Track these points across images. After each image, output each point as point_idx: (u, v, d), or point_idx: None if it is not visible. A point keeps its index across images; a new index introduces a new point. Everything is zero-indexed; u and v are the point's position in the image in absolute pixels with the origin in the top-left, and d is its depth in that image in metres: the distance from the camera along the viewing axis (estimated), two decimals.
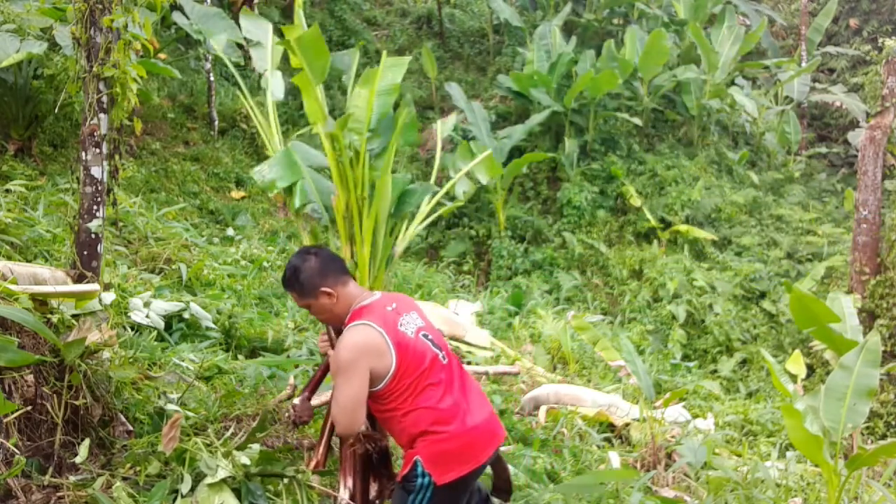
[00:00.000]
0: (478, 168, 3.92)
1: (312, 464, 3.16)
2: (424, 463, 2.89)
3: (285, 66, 4.13)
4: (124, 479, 3.01)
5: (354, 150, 3.13)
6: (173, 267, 6.40)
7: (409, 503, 2.93)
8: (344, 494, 3.11)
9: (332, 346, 3.04)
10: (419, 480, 2.90)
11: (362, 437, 3.02)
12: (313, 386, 3.21)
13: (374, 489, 3.24)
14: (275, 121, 3.33)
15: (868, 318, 9.76)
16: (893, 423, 8.79)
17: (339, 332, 2.99)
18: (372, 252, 3.35)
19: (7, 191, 6.33)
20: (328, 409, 3.12)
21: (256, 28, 3.67)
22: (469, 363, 6.73)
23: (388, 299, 3.02)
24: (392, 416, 2.94)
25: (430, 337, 3.02)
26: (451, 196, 3.63)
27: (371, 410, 3.00)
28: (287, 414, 3.24)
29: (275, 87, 3.53)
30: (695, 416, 6.75)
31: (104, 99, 3.85)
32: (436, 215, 3.65)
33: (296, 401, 3.13)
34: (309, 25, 4.02)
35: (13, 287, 3.03)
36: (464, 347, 7.09)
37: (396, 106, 3.57)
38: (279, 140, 3.32)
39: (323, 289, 2.91)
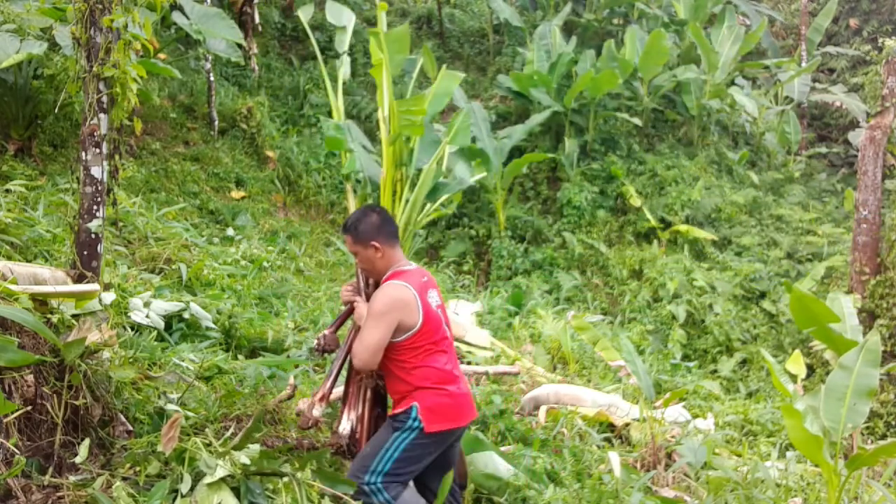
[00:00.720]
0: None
1: (318, 395, 3.44)
2: (420, 410, 3.33)
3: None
4: (124, 479, 3.01)
5: (407, 138, 3.52)
6: (173, 267, 6.40)
7: (394, 438, 3.35)
8: (346, 425, 3.47)
9: (359, 295, 3.52)
10: (410, 422, 3.33)
11: (374, 373, 3.46)
12: (340, 322, 3.65)
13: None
14: (342, 95, 3.81)
15: (868, 318, 9.76)
16: (893, 423, 8.79)
17: (375, 286, 3.49)
18: (406, 225, 3.80)
19: (7, 191, 6.33)
20: (344, 349, 3.55)
21: (341, 14, 4.06)
22: (469, 363, 6.74)
23: (422, 272, 3.52)
24: (401, 367, 3.37)
25: (442, 314, 3.53)
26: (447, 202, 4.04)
27: (385, 358, 3.37)
28: (315, 343, 3.60)
29: (345, 68, 4.01)
30: (695, 416, 6.75)
31: (104, 99, 3.85)
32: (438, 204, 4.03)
33: (325, 332, 3.59)
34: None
35: (13, 287, 3.03)
36: (464, 347, 7.09)
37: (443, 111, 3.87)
38: (342, 111, 3.77)
39: (373, 242, 3.38)
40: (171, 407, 3.55)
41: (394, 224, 3.49)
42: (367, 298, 3.52)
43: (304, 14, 4.42)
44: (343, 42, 4.11)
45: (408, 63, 4.28)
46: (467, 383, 3.59)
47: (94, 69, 3.78)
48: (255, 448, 3.21)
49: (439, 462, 3.51)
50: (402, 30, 3.83)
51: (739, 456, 6.00)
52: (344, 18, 4.12)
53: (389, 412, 3.50)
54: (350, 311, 3.60)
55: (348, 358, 3.54)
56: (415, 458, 3.39)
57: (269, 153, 12.31)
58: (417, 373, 3.36)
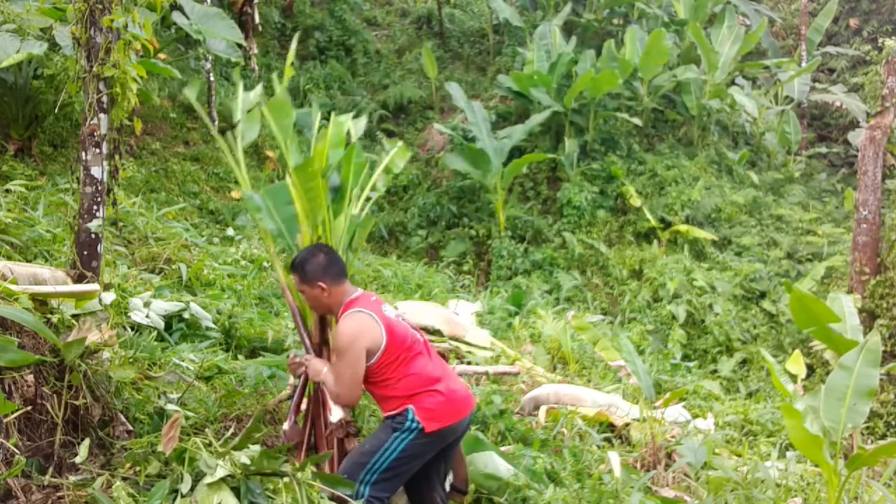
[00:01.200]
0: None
1: (289, 418, 3.56)
2: (417, 412, 3.36)
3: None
4: (124, 479, 3.01)
5: (317, 192, 3.51)
6: (173, 267, 6.40)
7: (393, 438, 3.38)
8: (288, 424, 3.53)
9: (305, 370, 3.51)
10: (408, 423, 3.36)
11: (344, 424, 3.49)
12: (296, 408, 3.63)
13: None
14: (244, 167, 3.73)
15: (868, 318, 9.75)
16: (893, 423, 8.79)
17: (320, 323, 3.60)
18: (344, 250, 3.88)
19: (7, 191, 6.33)
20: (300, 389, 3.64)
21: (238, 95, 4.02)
22: (469, 363, 6.73)
23: (369, 294, 3.57)
24: (385, 385, 3.40)
25: (406, 320, 3.57)
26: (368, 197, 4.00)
27: (367, 383, 3.42)
28: (281, 440, 3.61)
29: (247, 133, 3.88)
30: (695, 416, 6.75)
31: (104, 99, 3.85)
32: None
33: (285, 426, 3.57)
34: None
35: (13, 287, 3.03)
36: (464, 347, 7.09)
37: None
38: (246, 181, 3.69)
39: (320, 283, 3.41)
40: (171, 407, 3.55)
41: (340, 262, 3.52)
42: (318, 339, 3.61)
43: (190, 93, 4.41)
44: (236, 112, 4.10)
45: (301, 118, 4.28)
46: (456, 377, 3.64)
47: (94, 69, 3.78)
48: (255, 448, 3.21)
49: (440, 456, 3.55)
50: (280, 95, 3.87)
51: (739, 456, 6.00)
52: (240, 92, 4.13)
53: (384, 413, 3.52)
54: (304, 385, 3.65)
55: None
56: (414, 456, 3.41)
57: (269, 153, 12.31)
58: (402, 384, 3.39)
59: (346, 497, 3.24)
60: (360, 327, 3.34)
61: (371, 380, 3.40)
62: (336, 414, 3.44)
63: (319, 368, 3.46)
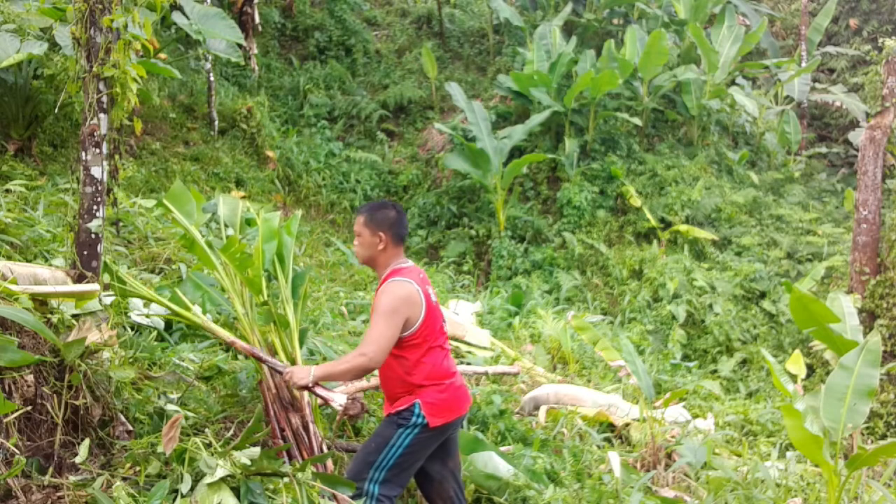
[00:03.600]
0: None
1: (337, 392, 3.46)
2: (423, 407, 3.40)
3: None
4: (124, 479, 3.01)
5: (249, 262, 3.62)
6: (173, 267, 6.39)
7: (397, 435, 3.40)
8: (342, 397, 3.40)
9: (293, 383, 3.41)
10: (414, 419, 3.40)
11: (354, 402, 3.40)
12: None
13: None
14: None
15: (868, 318, 9.75)
16: (893, 423, 8.79)
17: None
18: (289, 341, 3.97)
19: (7, 191, 6.33)
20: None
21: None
22: (469, 363, 6.73)
23: (419, 269, 3.63)
24: (403, 364, 3.43)
25: (439, 310, 3.63)
26: None
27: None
28: (339, 416, 3.59)
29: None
30: (695, 416, 6.75)
31: (104, 99, 3.85)
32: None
33: (343, 401, 3.38)
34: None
35: (13, 287, 3.03)
36: (464, 347, 7.09)
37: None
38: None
39: (380, 233, 3.48)
40: (171, 407, 3.55)
41: (406, 228, 3.59)
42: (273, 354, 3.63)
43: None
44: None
45: (208, 207, 4.46)
46: (460, 375, 3.71)
47: (94, 69, 3.78)
48: (255, 448, 3.21)
49: (438, 450, 3.59)
50: (177, 186, 4.05)
51: (739, 456, 6.00)
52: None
53: (387, 409, 3.55)
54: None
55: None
56: (419, 451, 3.45)
57: (269, 153, 12.31)
58: (418, 371, 3.43)
59: (350, 497, 3.25)
60: (408, 296, 3.38)
61: (394, 352, 3.41)
62: (339, 399, 3.39)
63: (306, 371, 3.39)
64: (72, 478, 2.94)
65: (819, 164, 16.29)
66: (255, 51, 13.38)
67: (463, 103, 13.49)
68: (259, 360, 3.64)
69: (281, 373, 3.50)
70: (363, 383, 4.56)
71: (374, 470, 3.38)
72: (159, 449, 3.08)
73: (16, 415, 2.82)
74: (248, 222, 4.22)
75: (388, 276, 3.47)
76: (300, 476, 3.19)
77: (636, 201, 12.81)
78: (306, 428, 3.70)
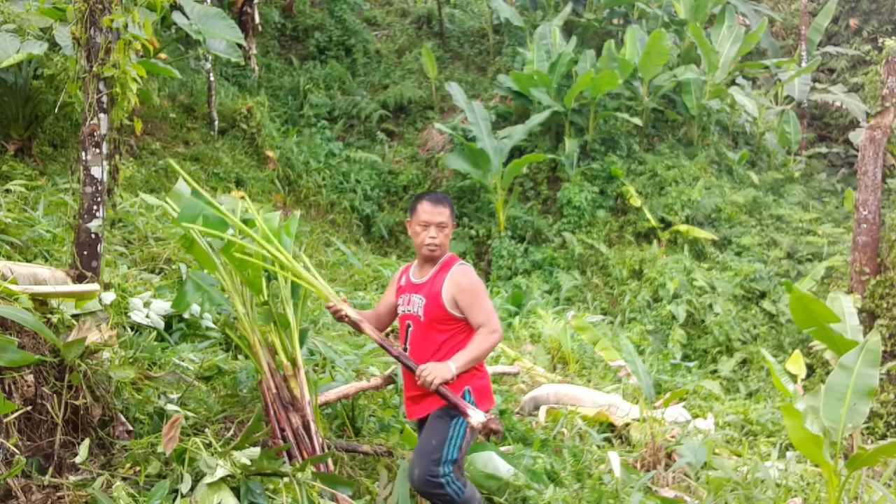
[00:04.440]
0: None
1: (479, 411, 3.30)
2: (472, 392, 3.41)
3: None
4: (124, 479, 3.01)
5: (249, 263, 3.60)
6: (173, 267, 6.39)
7: (454, 425, 3.36)
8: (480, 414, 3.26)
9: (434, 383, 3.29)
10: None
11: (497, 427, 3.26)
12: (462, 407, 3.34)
13: None
14: None
15: (868, 318, 9.75)
16: (893, 423, 8.79)
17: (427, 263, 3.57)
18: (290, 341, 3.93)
19: (7, 191, 6.33)
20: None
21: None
22: None
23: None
24: (454, 339, 3.43)
25: None
26: None
27: (442, 329, 3.43)
28: (483, 431, 3.28)
29: None
30: (695, 416, 6.75)
31: (104, 99, 3.85)
32: None
33: (483, 418, 3.23)
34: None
35: (13, 287, 3.03)
36: None
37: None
38: None
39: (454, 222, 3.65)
40: (171, 407, 3.55)
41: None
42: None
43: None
44: None
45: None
46: None
47: (94, 69, 3.78)
48: (255, 448, 3.21)
49: None
50: (177, 188, 4.03)
51: (739, 456, 6.01)
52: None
53: (427, 406, 3.46)
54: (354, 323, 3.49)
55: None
56: (470, 440, 3.46)
57: (269, 153, 12.31)
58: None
59: (438, 498, 3.28)
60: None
61: (455, 335, 3.44)
62: (478, 416, 3.23)
63: (445, 367, 3.31)
64: (72, 478, 2.94)
65: (819, 164, 16.30)
66: (255, 51, 13.38)
67: (463, 103, 13.50)
68: (393, 355, 3.48)
69: (414, 371, 3.35)
70: (363, 383, 4.55)
71: (443, 466, 3.31)
72: (159, 449, 3.08)
73: (16, 415, 2.82)
74: (248, 223, 4.21)
75: (448, 262, 3.52)
76: (300, 476, 3.19)
77: (636, 201, 12.81)
78: (306, 428, 3.69)
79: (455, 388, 3.35)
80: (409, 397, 3.56)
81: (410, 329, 3.53)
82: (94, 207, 3.85)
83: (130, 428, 3.32)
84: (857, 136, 13.25)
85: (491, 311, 3.45)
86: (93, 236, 3.84)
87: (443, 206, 3.52)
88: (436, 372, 3.28)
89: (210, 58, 11.42)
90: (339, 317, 3.49)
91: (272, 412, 3.67)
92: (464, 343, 3.42)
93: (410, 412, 3.60)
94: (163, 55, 10.05)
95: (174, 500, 2.94)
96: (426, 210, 3.49)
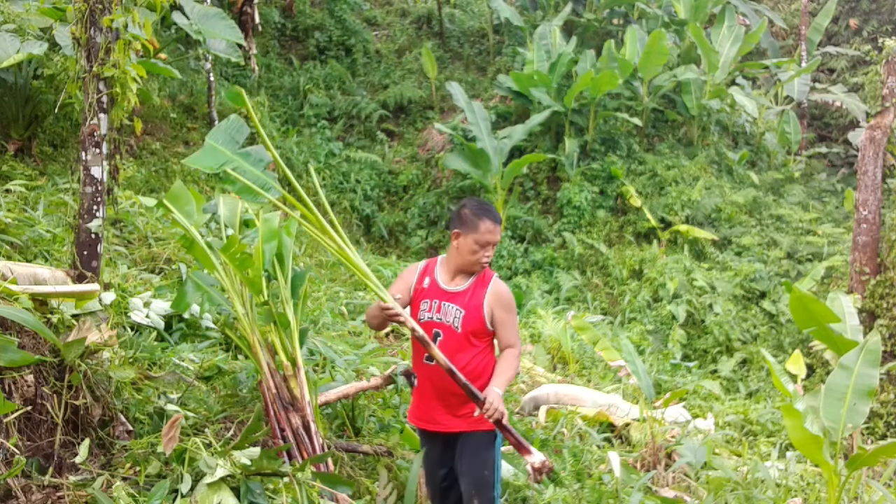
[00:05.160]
0: None
1: (535, 456, 3.22)
2: None
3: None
4: (124, 479, 3.01)
5: (249, 262, 3.61)
6: (173, 267, 6.39)
7: (495, 451, 3.38)
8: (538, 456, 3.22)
9: (496, 410, 3.18)
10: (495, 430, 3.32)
11: (552, 467, 3.25)
12: (520, 443, 3.27)
13: None
14: None
15: (868, 318, 9.75)
16: (893, 423, 8.79)
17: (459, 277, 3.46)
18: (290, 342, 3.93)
19: (7, 191, 6.33)
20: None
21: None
22: None
23: None
24: (486, 366, 3.38)
25: None
26: None
27: (475, 343, 3.37)
28: (534, 477, 3.26)
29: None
30: (695, 416, 6.76)
31: (104, 99, 3.85)
32: None
33: (537, 460, 3.18)
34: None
35: (13, 287, 3.03)
36: None
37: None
38: None
39: None
40: (171, 407, 3.55)
41: None
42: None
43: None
44: None
45: (208, 208, 4.47)
46: None
47: (94, 69, 3.78)
48: (255, 448, 3.21)
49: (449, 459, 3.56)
50: (177, 186, 4.04)
51: (739, 456, 6.01)
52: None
53: (460, 424, 3.39)
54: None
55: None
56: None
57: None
58: (488, 373, 3.39)
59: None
60: None
61: (487, 351, 3.42)
62: (538, 458, 3.19)
63: (499, 397, 3.21)
64: (72, 478, 2.94)
65: (819, 164, 16.29)
66: (255, 51, 13.38)
67: (463, 103, 13.50)
68: (460, 384, 3.26)
69: (479, 402, 3.22)
70: (363, 383, 4.55)
71: (495, 491, 3.37)
72: (159, 449, 3.08)
73: (16, 415, 2.82)
74: (247, 223, 4.21)
75: (487, 273, 3.44)
76: (300, 476, 3.19)
77: (636, 201, 12.81)
78: (306, 428, 3.68)
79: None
80: (431, 408, 3.44)
81: (440, 339, 3.36)
82: (94, 207, 3.85)
83: (130, 428, 3.32)
84: (857, 136, 13.24)
85: (518, 332, 3.46)
86: (93, 236, 3.85)
87: (499, 224, 3.44)
88: (499, 405, 3.18)
89: (210, 58, 11.41)
90: (393, 321, 3.36)
91: (272, 412, 3.67)
92: (487, 359, 3.40)
93: (426, 423, 3.49)
94: (163, 55, 10.05)
95: (174, 500, 2.94)
96: (489, 229, 3.34)
